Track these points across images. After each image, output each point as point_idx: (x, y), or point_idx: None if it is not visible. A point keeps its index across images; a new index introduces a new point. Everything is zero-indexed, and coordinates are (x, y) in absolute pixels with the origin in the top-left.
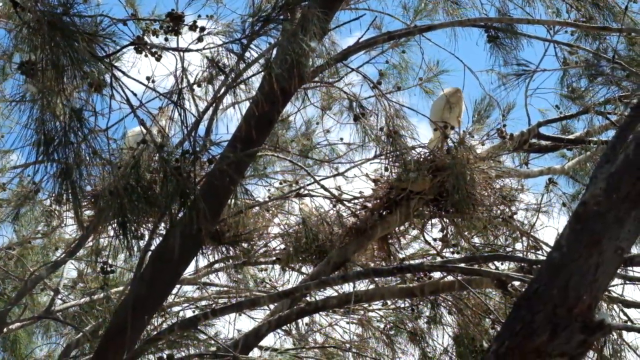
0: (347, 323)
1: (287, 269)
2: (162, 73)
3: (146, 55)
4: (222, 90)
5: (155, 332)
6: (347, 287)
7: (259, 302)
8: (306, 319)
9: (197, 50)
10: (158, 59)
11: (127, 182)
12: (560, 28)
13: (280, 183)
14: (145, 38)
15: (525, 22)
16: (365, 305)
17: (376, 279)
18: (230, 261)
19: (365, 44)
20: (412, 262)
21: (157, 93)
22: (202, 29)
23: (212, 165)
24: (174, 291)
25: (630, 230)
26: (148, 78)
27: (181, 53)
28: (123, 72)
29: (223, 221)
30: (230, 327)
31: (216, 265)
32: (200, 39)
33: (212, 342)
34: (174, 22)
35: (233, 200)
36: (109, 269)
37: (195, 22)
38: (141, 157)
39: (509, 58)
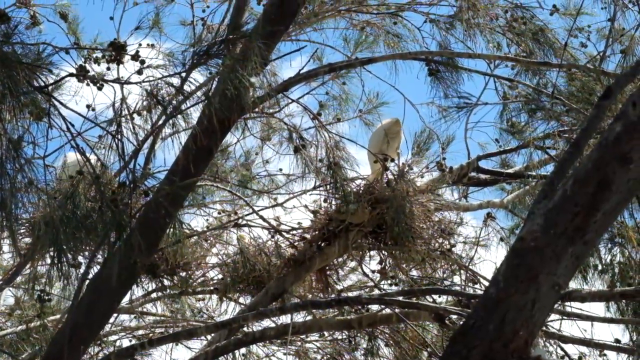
0: (284, 354)
1: (224, 299)
2: (105, 101)
3: (88, 84)
4: (161, 121)
5: None
6: (285, 318)
7: (196, 332)
8: (243, 350)
9: (136, 83)
10: (100, 88)
11: (63, 212)
12: (501, 62)
13: (219, 213)
14: (88, 66)
15: (465, 56)
16: (303, 336)
17: (314, 310)
18: (168, 291)
19: (307, 75)
20: (349, 294)
21: (94, 123)
22: (142, 61)
23: (149, 197)
24: (111, 320)
25: (567, 266)
26: (88, 106)
27: (121, 85)
28: (61, 103)
29: (160, 251)
30: (168, 357)
31: (153, 295)
32: (139, 72)
33: None
34: (116, 52)
35: (171, 231)
36: (45, 297)
37: (137, 52)
38: (77, 187)
39: (449, 91)
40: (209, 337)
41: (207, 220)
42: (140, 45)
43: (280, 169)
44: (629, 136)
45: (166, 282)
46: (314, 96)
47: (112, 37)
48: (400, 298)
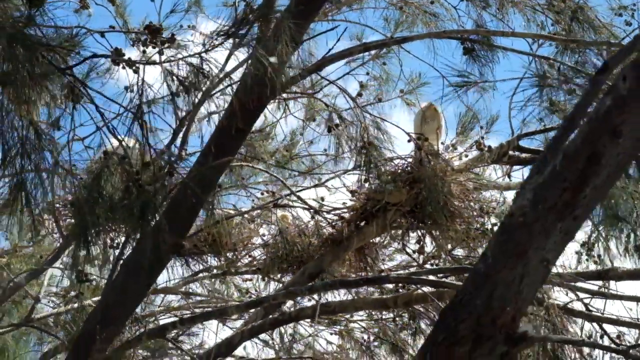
0: (331, 334)
1: (267, 279)
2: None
3: (123, 67)
4: (197, 101)
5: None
6: (330, 297)
7: (226, 312)
8: (290, 330)
9: (156, 63)
10: (135, 71)
11: (89, 192)
12: (543, 41)
13: (262, 193)
14: (136, 48)
15: (499, 34)
16: (347, 316)
17: (349, 289)
18: (214, 271)
19: (341, 54)
20: (379, 274)
21: (120, 105)
22: (170, 40)
23: (173, 178)
24: (158, 301)
25: (556, 242)
26: (126, 88)
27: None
28: (86, 85)
29: (198, 232)
30: (214, 337)
31: (201, 275)
32: (161, 52)
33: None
34: (151, 35)
35: (206, 212)
36: (84, 277)
37: (173, 35)
38: (105, 169)
39: (484, 70)
40: (246, 316)
41: (253, 201)
42: (181, 27)
43: (325, 150)
44: (619, 110)
45: (213, 262)
46: (354, 77)
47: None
48: (430, 277)
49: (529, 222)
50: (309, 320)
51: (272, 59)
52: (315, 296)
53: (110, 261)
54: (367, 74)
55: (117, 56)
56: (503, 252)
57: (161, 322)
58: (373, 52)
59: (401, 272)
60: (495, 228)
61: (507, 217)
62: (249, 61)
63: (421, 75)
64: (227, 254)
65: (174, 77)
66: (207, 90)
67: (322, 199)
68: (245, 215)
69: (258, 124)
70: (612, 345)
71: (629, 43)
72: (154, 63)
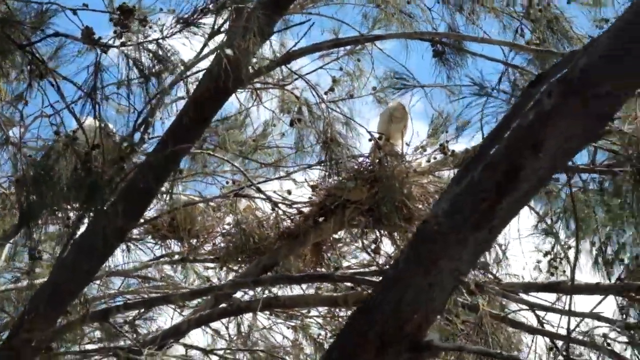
0: (287, 328)
1: (226, 268)
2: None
3: (91, 48)
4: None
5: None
6: (285, 292)
7: (169, 299)
8: (247, 321)
9: (115, 47)
10: (104, 51)
11: (36, 170)
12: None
13: (227, 182)
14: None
15: (470, 39)
16: (304, 311)
17: (297, 284)
18: (175, 257)
19: (312, 48)
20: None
21: (77, 87)
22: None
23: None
24: (117, 284)
25: (470, 253)
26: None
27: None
28: (43, 62)
29: (158, 218)
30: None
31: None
32: (120, 36)
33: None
34: (124, 16)
35: (166, 196)
36: (37, 255)
37: (145, 16)
38: (54, 148)
39: (452, 73)
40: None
41: (221, 189)
42: (161, 10)
43: (295, 144)
44: (541, 124)
45: (176, 248)
46: (328, 71)
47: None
48: (375, 278)
49: (444, 231)
50: (264, 312)
51: (228, 51)
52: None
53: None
54: (341, 69)
55: (86, 35)
56: (416, 259)
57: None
58: (347, 48)
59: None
60: None
61: (422, 225)
62: (217, 51)
63: (394, 74)
64: (190, 241)
65: (131, 61)
66: (175, 77)
67: (289, 192)
68: (211, 203)
69: (231, 112)
70: None
71: (565, 57)
72: (112, 46)
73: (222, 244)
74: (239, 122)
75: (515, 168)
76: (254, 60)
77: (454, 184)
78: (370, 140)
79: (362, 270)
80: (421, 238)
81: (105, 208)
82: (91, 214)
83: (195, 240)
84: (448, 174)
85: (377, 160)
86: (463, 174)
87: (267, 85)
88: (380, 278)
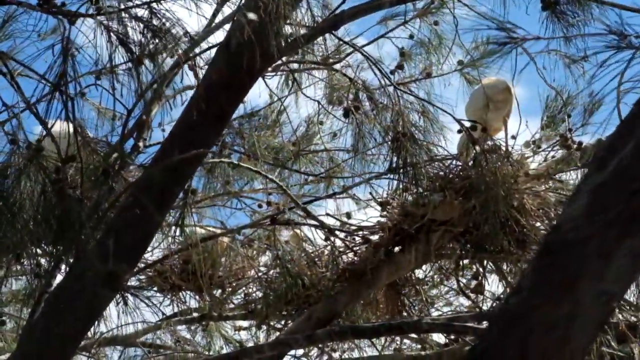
0: None
1: (266, 326)
2: None
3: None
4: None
5: None
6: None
7: None
8: None
9: (92, 16)
10: (72, 22)
11: None
12: None
13: (260, 206)
14: None
15: None
16: None
17: (360, 340)
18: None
19: (366, 6)
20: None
21: (40, 77)
22: None
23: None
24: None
25: (621, 268)
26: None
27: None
28: None
29: (166, 259)
30: None
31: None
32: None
33: None
34: None
35: (176, 229)
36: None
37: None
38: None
39: (571, 32)
40: None
41: (252, 216)
42: None
43: (352, 147)
44: None
45: (193, 303)
46: (393, 41)
47: None
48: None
49: (582, 239)
50: None
51: (251, 15)
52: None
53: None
54: (411, 37)
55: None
56: (544, 283)
57: None
58: (420, 4)
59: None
60: None
61: (551, 233)
62: (235, 17)
63: (489, 39)
64: (212, 291)
65: (114, 37)
66: (178, 57)
67: (349, 215)
68: (239, 236)
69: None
70: None
71: None
72: (84, 15)
73: (259, 293)
74: (271, 118)
75: None
76: (288, 28)
77: (593, 172)
78: (460, 132)
79: (460, 315)
80: (550, 252)
81: (88, 247)
82: (69, 257)
83: (219, 291)
84: (575, 176)
85: (472, 161)
86: (607, 156)
87: (308, 64)
88: (492, 318)
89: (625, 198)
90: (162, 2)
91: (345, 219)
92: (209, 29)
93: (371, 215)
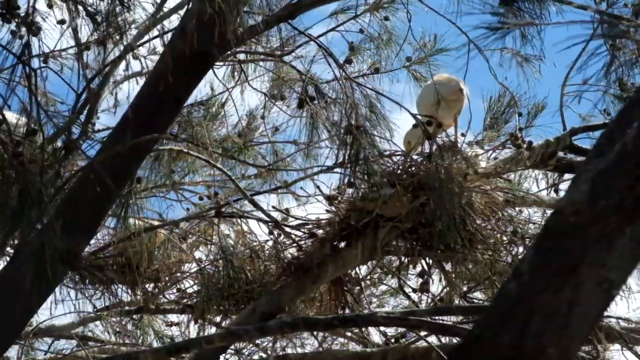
0: None
1: (203, 321)
2: None
3: None
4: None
5: None
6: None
7: (137, 357)
8: None
9: None
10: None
11: None
12: None
13: (201, 198)
14: None
15: None
16: None
17: (312, 333)
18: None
19: None
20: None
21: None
22: None
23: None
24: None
25: (624, 255)
26: None
27: None
28: None
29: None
30: None
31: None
32: None
33: None
34: None
35: (122, 212)
36: None
37: None
38: None
39: (528, 31)
40: None
41: (188, 209)
42: None
43: (295, 140)
44: None
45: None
46: (343, 34)
47: None
48: (433, 319)
49: (584, 224)
50: None
51: None
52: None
53: None
54: (361, 31)
55: None
56: (545, 267)
57: None
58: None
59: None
60: None
61: (552, 217)
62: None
63: (437, 38)
64: (146, 285)
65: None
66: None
67: (287, 210)
68: (175, 229)
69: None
70: None
71: None
72: None
73: (195, 287)
74: (215, 108)
75: None
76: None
77: (594, 157)
78: (415, 127)
79: (415, 309)
80: (552, 236)
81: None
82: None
83: (152, 285)
84: (522, 175)
85: (427, 157)
86: (607, 142)
87: (258, 55)
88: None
89: (629, 184)
90: None
91: (290, 213)
92: (162, 14)
93: (316, 211)
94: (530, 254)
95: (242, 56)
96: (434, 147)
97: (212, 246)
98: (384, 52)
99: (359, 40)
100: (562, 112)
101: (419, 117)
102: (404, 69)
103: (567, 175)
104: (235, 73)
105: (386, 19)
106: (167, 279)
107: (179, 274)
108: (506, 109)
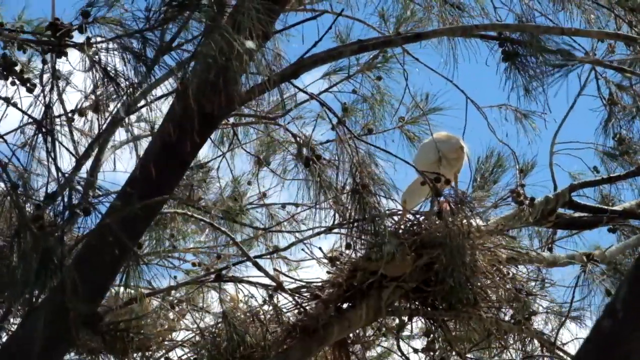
0: None
1: None
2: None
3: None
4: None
5: None
6: None
7: None
8: None
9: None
10: (30, 90)
11: None
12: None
13: (194, 265)
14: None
15: (557, 33)
16: None
17: None
18: None
19: (327, 54)
20: None
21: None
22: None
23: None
24: None
25: None
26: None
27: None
28: None
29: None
30: None
31: None
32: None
33: None
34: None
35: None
36: None
37: (89, 38)
38: None
39: (532, 86)
40: None
41: (175, 277)
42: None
43: (296, 204)
44: None
45: None
46: (335, 95)
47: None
48: None
49: None
50: None
51: (250, 43)
52: None
53: None
54: (354, 91)
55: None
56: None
57: None
58: (362, 61)
59: None
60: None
61: None
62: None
63: (429, 97)
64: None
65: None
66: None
67: (278, 272)
68: (169, 297)
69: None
70: None
71: None
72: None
73: (192, 355)
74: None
75: None
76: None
77: None
78: (423, 184)
79: None
80: None
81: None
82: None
83: (139, 354)
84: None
85: (436, 214)
86: None
87: (251, 117)
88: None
89: None
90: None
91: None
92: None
93: (315, 273)
94: (623, 291)
95: (232, 119)
96: (444, 204)
97: (206, 312)
98: (378, 111)
99: (351, 101)
100: (551, 169)
101: (426, 173)
102: (397, 129)
103: (561, 232)
104: (225, 138)
105: (379, 78)
106: (157, 346)
107: (167, 342)
108: (494, 169)
